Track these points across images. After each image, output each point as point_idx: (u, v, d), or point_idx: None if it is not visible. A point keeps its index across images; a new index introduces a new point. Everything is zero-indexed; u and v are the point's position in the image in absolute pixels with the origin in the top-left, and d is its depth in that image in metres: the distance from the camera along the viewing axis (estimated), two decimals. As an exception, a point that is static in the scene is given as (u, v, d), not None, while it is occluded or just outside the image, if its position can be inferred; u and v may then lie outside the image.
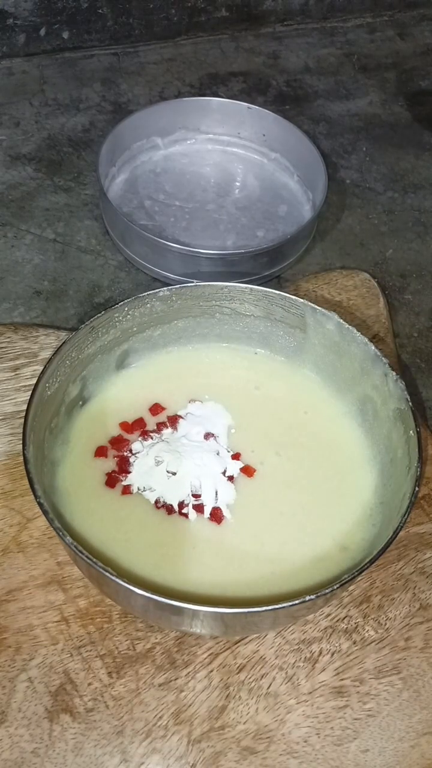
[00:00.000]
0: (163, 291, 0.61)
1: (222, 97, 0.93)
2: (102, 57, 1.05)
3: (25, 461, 0.51)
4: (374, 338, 0.73)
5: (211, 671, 0.56)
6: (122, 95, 1.00)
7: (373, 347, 0.60)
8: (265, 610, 0.47)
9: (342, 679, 0.56)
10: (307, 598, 0.48)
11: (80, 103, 0.98)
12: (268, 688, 0.55)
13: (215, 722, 0.54)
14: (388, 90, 1.06)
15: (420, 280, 0.85)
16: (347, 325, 0.61)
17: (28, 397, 0.54)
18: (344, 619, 0.59)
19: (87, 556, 0.48)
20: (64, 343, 0.57)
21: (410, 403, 0.57)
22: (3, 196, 0.87)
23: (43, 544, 0.60)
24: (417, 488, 0.53)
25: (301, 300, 0.61)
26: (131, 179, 0.87)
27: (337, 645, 0.57)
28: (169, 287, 0.61)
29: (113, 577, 0.47)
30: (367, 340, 0.60)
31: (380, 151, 0.98)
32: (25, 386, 0.67)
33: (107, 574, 0.47)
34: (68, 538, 0.49)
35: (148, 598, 0.47)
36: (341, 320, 0.61)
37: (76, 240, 0.84)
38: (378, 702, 0.56)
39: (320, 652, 0.57)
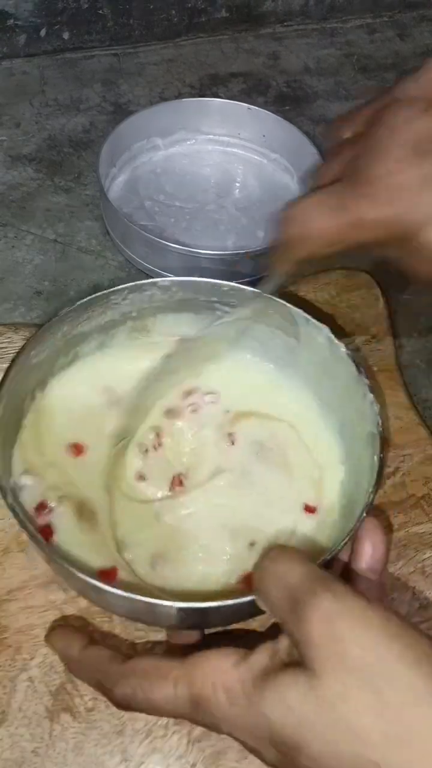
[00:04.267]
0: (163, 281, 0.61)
1: (222, 98, 0.94)
2: (102, 58, 1.05)
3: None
4: (374, 338, 0.74)
5: (211, 671, 0.55)
6: (122, 96, 1.00)
7: (354, 367, 0.56)
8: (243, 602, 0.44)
9: (342, 679, 0.56)
10: None
11: (80, 104, 0.99)
12: (268, 687, 0.55)
13: (215, 722, 0.54)
14: (388, 90, 1.06)
15: (420, 281, 0.85)
16: (336, 341, 0.58)
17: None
18: (344, 618, 0.59)
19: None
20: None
21: (380, 428, 0.54)
22: (3, 197, 0.87)
23: (43, 543, 0.60)
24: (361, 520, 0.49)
25: (296, 309, 0.59)
26: (131, 180, 0.87)
27: (336, 645, 0.57)
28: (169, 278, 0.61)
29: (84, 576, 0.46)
30: (352, 360, 0.57)
31: (380, 151, 0.98)
32: (25, 386, 0.67)
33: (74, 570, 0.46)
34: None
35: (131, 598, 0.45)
36: (331, 334, 0.58)
37: (77, 240, 0.84)
38: (378, 701, 0.55)
39: (320, 652, 0.57)
